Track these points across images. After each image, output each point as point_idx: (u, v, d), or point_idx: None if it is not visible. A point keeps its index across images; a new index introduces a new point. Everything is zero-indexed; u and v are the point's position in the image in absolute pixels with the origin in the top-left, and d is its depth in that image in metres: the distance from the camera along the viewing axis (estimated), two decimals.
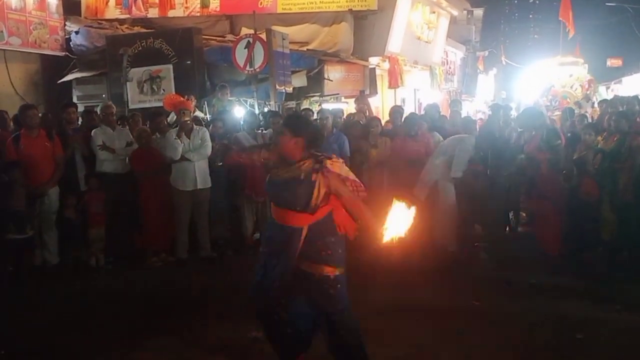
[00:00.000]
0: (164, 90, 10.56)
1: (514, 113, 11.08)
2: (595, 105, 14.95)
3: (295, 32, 12.55)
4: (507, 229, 8.65)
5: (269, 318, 3.98)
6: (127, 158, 7.51)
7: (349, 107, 11.74)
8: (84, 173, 7.50)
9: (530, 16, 37.66)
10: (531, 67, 21.05)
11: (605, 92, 20.00)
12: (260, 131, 8.11)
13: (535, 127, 7.49)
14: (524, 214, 8.93)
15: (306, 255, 3.82)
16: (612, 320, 5.21)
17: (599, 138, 7.40)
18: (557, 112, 14.43)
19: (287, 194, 3.81)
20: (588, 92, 17.89)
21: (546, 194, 7.00)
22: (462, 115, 10.12)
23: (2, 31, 10.57)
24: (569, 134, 8.45)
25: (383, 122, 9.10)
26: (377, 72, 14.35)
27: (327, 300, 3.83)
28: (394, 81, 14.57)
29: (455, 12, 19.45)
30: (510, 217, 8.73)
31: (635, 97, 10.13)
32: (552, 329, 5.03)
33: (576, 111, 11.67)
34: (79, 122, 8.15)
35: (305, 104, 11.43)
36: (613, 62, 27.16)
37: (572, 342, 4.77)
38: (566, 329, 4.99)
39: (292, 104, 11.07)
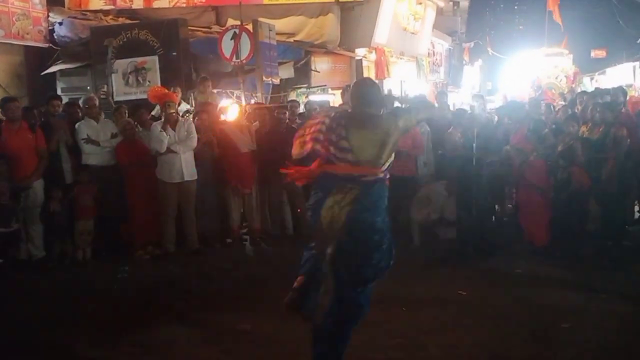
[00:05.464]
0: (149, 82, 10.45)
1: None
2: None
3: (281, 23, 12.50)
4: (493, 218, 8.68)
5: None
6: (113, 150, 7.45)
7: (336, 99, 11.73)
8: (69, 165, 7.42)
9: (516, 7, 37.76)
10: (516, 58, 21.12)
11: (589, 83, 20.10)
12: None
13: (520, 119, 7.53)
14: (509, 205, 8.97)
15: None
16: (597, 309, 5.26)
17: (584, 129, 7.44)
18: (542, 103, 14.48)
19: None
20: (573, 86, 17.99)
21: (534, 184, 7.05)
22: (449, 107, 10.14)
23: None
24: (553, 126, 8.49)
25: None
26: (364, 63, 14.36)
27: None
28: (381, 72, 14.58)
29: (441, 3, 19.47)
30: (496, 207, 8.76)
31: (620, 87, 10.19)
32: (538, 318, 5.07)
33: (561, 103, 11.73)
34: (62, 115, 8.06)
35: (292, 96, 11.41)
36: (597, 54, 27.26)
37: (558, 331, 4.82)
38: (552, 318, 5.03)
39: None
